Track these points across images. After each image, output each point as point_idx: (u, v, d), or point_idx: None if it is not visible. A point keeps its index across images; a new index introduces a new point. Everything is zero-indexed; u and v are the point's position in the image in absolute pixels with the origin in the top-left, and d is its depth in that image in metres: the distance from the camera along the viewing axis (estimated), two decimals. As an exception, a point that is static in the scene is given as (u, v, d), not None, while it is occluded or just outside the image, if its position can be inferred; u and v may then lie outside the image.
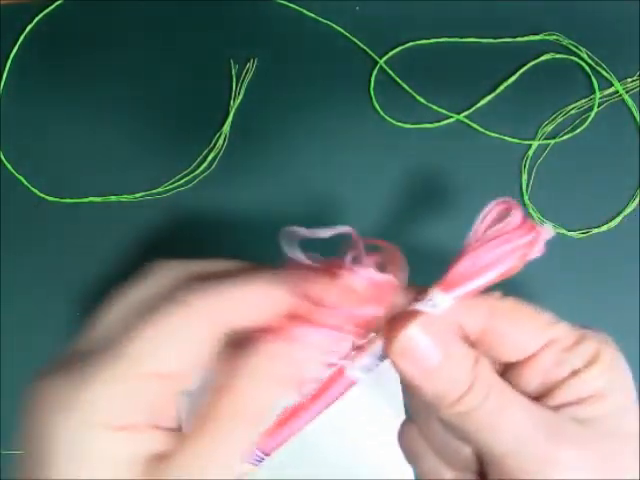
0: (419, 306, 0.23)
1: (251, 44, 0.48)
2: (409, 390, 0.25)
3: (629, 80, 0.48)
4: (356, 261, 0.22)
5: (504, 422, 0.22)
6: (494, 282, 0.22)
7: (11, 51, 0.48)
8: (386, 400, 0.45)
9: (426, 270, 0.49)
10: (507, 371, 0.24)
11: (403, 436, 0.29)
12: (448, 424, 0.24)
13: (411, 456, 0.28)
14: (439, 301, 0.22)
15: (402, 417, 0.32)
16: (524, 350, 0.23)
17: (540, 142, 0.47)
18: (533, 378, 0.23)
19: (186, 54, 0.48)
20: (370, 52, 0.48)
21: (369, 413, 0.45)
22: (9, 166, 0.47)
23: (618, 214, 0.47)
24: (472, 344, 0.24)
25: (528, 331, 0.23)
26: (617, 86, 0.47)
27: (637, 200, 0.47)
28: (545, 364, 0.23)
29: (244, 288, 0.21)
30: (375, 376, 0.29)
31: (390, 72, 0.48)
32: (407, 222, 0.47)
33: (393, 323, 0.23)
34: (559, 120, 0.47)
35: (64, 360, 0.21)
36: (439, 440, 0.26)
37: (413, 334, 0.22)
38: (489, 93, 0.48)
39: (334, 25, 0.48)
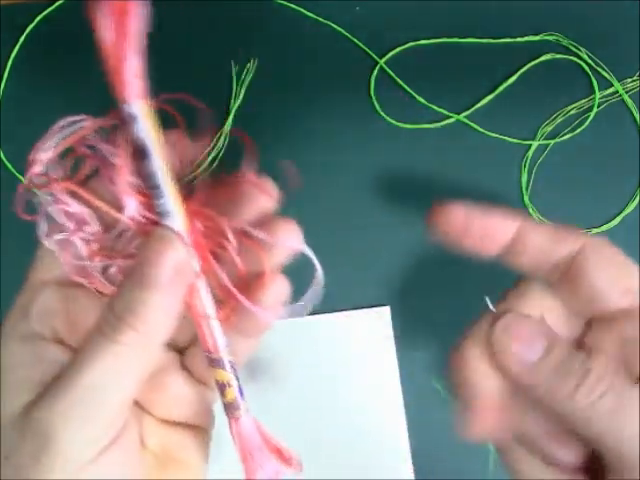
0: None
1: (251, 44, 0.48)
2: (511, 388, 0.23)
3: (629, 80, 0.48)
4: None
5: (624, 419, 0.21)
6: None
7: (12, 51, 0.48)
8: (386, 400, 0.45)
9: (426, 270, 0.49)
10: (586, 335, 0.23)
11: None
12: (559, 418, 0.22)
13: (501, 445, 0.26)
14: None
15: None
16: (605, 298, 0.22)
17: (540, 142, 0.47)
18: (611, 347, 0.22)
19: (187, 54, 0.48)
20: (370, 52, 0.48)
21: (370, 412, 0.45)
22: (10, 166, 0.47)
23: (618, 214, 0.47)
24: (556, 287, 0.23)
25: (613, 274, 0.23)
26: (617, 86, 0.47)
27: (637, 200, 0.47)
28: (626, 334, 0.22)
29: None
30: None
31: (390, 72, 0.48)
32: (407, 222, 0.47)
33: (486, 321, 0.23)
34: (559, 120, 0.48)
35: None
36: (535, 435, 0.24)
37: (512, 326, 0.22)
38: (489, 93, 0.48)
39: (334, 25, 0.48)
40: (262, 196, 0.24)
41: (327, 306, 0.45)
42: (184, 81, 0.49)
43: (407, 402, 0.45)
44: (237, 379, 0.23)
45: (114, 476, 0.21)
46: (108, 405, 0.21)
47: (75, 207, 0.22)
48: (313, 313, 0.46)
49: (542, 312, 0.23)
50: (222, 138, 0.47)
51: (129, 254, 0.22)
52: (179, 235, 0.21)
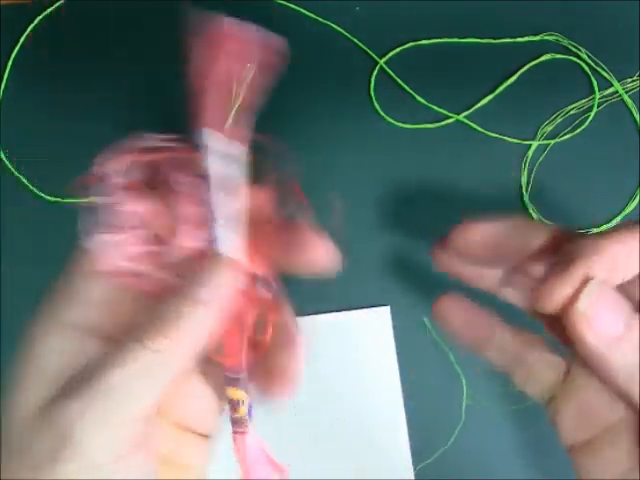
0: None
1: (251, 44, 0.48)
2: (584, 363, 0.22)
3: (629, 80, 0.48)
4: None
5: None
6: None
7: (12, 51, 0.48)
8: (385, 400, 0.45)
9: (426, 270, 0.49)
10: None
11: None
12: (623, 395, 0.22)
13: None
14: None
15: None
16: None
17: (540, 142, 0.47)
18: None
19: (187, 55, 0.48)
20: (370, 52, 0.48)
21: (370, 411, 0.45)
22: (10, 166, 0.47)
23: (618, 214, 0.47)
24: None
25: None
26: (617, 86, 0.47)
27: (637, 200, 0.47)
28: None
29: None
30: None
31: (390, 72, 0.48)
32: (407, 222, 0.47)
33: (559, 286, 0.21)
34: (559, 120, 0.48)
35: None
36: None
37: (595, 300, 0.21)
38: (489, 93, 0.48)
39: (334, 25, 0.48)
40: (318, 252, 0.25)
41: (327, 306, 0.45)
42: (184, 81, 0.49)
43: (407, 402, 0.45)
44: (249, 398, 0.23)
45: None
46: (130, 410, 0.20)
47: (134, 207, 0.22)
48: (313, 313, 0.46)
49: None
50: (222, 138, 0.47)
51: (174, 268, 0.23)
52: (232, 261, 0.22)
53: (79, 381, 0.21)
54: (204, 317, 0.21)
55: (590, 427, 0.23)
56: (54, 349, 0.22)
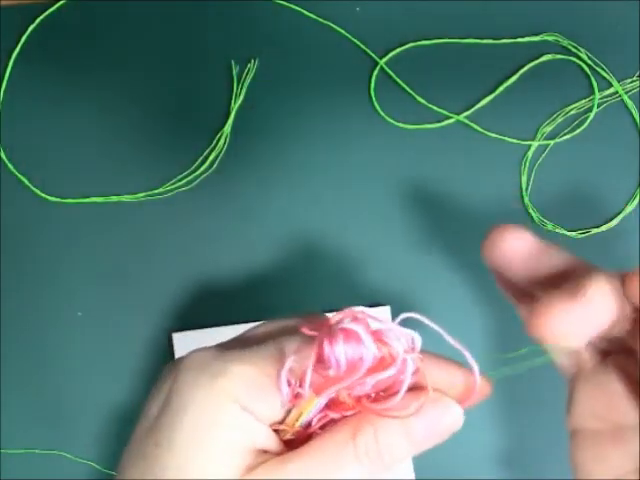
0: None
1: (252, 45, 0.48)
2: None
3: (628, 81, 0.48)
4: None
5: None
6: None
7: (13, 51, 0.48)
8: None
9: (426, 270, 0.49)
10: None
11: None
12: None
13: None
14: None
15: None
16: None
17: (540, 142, 0.47)
18: None
19: (187, 55, 0.48)
20: (370, 52, 0.48)
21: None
22: (11, 166, 0.47)
23: (618, 214, 0.47)
24: None
25: None
26: (617, 87, 0.47)
27: (637, 200, 0.47)
28: None
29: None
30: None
31: (390, 73, 0.48)
32: (407, 222, 0.47)
33: None
34: (559, 120, 0.48)
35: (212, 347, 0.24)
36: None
37: None
38: (489, 93, 0.48)
39: (334, 25, 0.48)
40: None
41: (327, 306, 0.45)
42: (184, 81, 0.49)
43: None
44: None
45: None
46: None
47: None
48: (313, 313, 0.46)
49: None
50: (222, 139, 0.47)
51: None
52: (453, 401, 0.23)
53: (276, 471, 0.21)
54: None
55: (604, 419, 0.23)
56: (237, 427, 0.22)
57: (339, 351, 0.21)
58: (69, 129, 0.48)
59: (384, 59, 0.48)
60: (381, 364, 0.21)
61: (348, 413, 0.23)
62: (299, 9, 0.48)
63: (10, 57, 0.48)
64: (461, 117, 0.47)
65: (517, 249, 0.22)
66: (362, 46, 0.48)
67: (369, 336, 0.21)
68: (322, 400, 0.22)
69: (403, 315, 0.22)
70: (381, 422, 0.22)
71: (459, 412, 0.23)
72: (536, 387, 0.45)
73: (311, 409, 0.22)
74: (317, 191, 0.47)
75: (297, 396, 0.22)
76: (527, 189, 0.47)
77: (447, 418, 0.23)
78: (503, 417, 0.46)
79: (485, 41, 0.48)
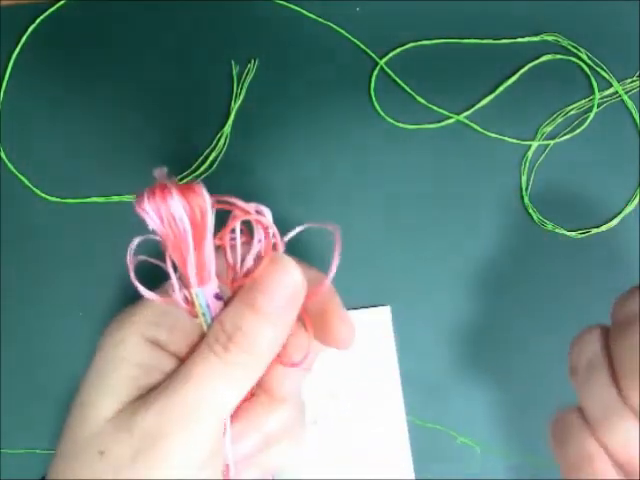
0: None
1: (252, 45, 0.48)
2: None
3: (628, 81, 0.48)
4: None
5: None
6: None
7: (13, 51, 0.48)
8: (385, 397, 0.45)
9: (426, 270, 0.49)
10: None
11: None
12: None
13: None
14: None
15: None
16: None
17: (540, 142, 0.47)
18: None
19: (187, 55, 0.48)
20: (370, 53, 0.48)
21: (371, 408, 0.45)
22: (11, 166, 0.47)
23: (618, 214, 0.47)
24: None
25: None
26: (616, 87, 0.47)
27: (637, 200, 0.47)
28: None
29: None
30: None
31: (390, 73, 0.48)
32: (407, 222, 0.47)
33: None
34: (559, 120, 0.48)
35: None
36: None
37: None
38: (489, 93, 0.48)
39: (334, 25, 0.48)
40: (343, 332, 0.27)
41: (327, 306, 0.45)
42: (184, 81, 0.49)
43: (407, 402, 0.45)
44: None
45: None
46: (211, 420, 0.21)
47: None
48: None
49: None
50: (222, 139, 0.47)
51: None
52: (293, 261, 0.23)
53: (163, 392, 0.21)
54: (277, 328, 0.22)
55: None
56: (133, 360, 0.23)
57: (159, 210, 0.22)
58: (69, 129, 0.48)
59: (384, 59, 0.48)
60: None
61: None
62: (299, 9, 0.48)
63: (10, 57, 0.48)
64: (461, 117, 0.47)
65: None
66: (362, 46, 0.48)
67: (177, 190, 0.22)
68: (192, 273, 0.22)
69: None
70: (226, 310, 0.22)
71: (296, 270, 0.23)
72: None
73: (196, 292, 0.23)
74: (317, 191, 0.47)
75: (187, 302, 0.23)
76: (527, 189, 0.47)
77: (286, 278, 0.22)
78: (502, 417, 0.46)
79: (485, 41, 0.48)
